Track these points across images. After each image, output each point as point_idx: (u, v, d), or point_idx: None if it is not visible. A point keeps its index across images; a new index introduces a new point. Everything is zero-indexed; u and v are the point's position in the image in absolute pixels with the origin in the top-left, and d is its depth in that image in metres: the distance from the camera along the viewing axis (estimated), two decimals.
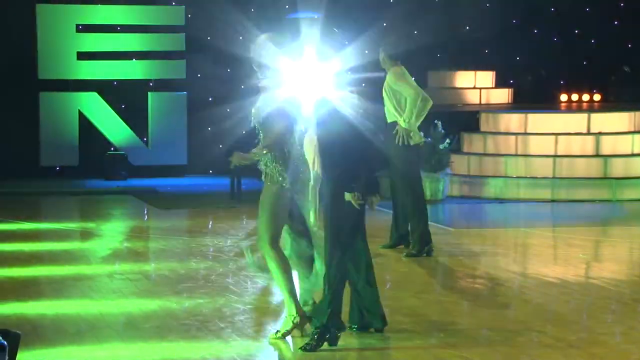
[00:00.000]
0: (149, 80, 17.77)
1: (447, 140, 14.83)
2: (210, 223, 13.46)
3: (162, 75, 17.89)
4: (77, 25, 17.35)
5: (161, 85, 17.90)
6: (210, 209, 14.27)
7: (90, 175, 17.18)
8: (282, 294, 7.26)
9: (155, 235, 12.16)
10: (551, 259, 10.85)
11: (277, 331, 7.23)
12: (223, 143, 18.22)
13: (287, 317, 7.18)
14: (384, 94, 10.41)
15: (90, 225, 12.97)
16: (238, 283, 9.22)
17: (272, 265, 7.16)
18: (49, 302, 8.43)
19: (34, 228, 12.41)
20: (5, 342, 3.10)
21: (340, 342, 6.96)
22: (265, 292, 8.85)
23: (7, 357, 3.30)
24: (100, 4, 17.54)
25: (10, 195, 15.47)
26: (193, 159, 17.93)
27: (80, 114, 17.36)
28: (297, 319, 7.12)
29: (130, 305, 8.33)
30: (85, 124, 17.38)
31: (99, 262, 10.34)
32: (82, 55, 17.25)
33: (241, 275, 9.62)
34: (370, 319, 7.31)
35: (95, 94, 17.35)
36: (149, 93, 17.70)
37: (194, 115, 17.93)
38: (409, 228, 10.52)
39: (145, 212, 14.29)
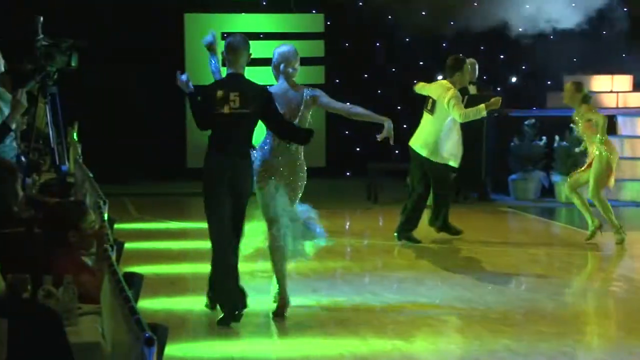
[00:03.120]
0: None
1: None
2: (348, 224, 13.52)
3: (302, 80, 17.96)
4: (223, 34, 17.65)
5: None
6: (347, 210, 14.33)
7: None
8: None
9: None
10: None
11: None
12: (361, 146, 18.29)
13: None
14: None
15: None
16: (375, 282, 9.24)
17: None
18: (195, 297, 8.59)
19: (181, 227, 12.67)
20: (154, 336, 3.19)
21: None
22: (401, 291, 8.84)
23: (155, 350, 3.40)
24: (245, 13, 17.82)
25: (159, 195, 15.83)
26: (331, 161, 18.04)
27: None
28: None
29: (270, 303, 8.43)
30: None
31: (242, 260, 10.42)
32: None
33: (378, 275, 9.64)
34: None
35: None
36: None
37: (332, 119, 18.03)
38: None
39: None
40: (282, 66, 8.31)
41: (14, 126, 7.12)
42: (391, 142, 8.51)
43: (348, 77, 18.24)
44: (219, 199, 7.58)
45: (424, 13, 17.67)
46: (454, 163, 11.05)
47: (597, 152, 11.21)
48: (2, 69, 7.36)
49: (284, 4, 17.98)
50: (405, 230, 11.28)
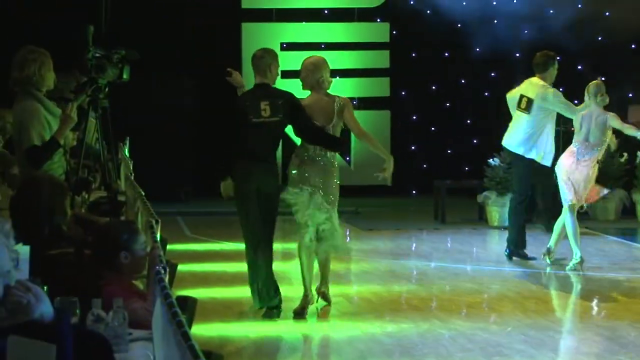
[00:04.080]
0: (352, 99, 17.94)
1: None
2: (414, 245, 13.47)
3: (366, 93, 18.06)
4: (282, 44, 17.73)
5: (365, 103, 18.06)
6: (413, 231, 14.28)
7: None
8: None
9: (357, 257, 12.25)
10: None
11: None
12: (427, 163, 18.22)
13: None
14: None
15: (292, 245, 13.15)
16: (442, 308, 9.19)
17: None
18: (251, 323, 8.61)
19: (237, 248, 12.65)
20: None
21: None
22: (471, 317, 8.77)
23: None
24: (305, 22, 17.87)
25: (214, 215, 15.88)
26: (396, 178, 17.94)
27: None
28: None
29: (332, 329, 8.42)
30: (288, 144, 17.67)
31: (301, 284, 10.47)
32: (286, 74, 17.61)
33: (446, 299, 9.58)
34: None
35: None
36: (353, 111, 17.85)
37: (397, 134, 18.00)
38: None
39: (347, 233, 14.42)
40: (320, 80, 8.87)
41: (62, 141, 7.20)
42: (387, 183, 9.35)
43: (415, 89, 18.19)
44: (249, 204, 8.56)
45: (496, 21, 17.59)
46: (547, 162, 11.30)
47: None
48: (52, 85, 7.45)
49: (348, 12, 17.99)
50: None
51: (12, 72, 7.34)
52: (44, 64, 7.26)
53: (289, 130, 9.12)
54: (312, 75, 8.88)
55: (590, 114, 10.92)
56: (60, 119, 7.21)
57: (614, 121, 10.93)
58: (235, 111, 8.66)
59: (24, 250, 5.10)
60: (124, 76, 8.11)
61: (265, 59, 8.77)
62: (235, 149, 8.62)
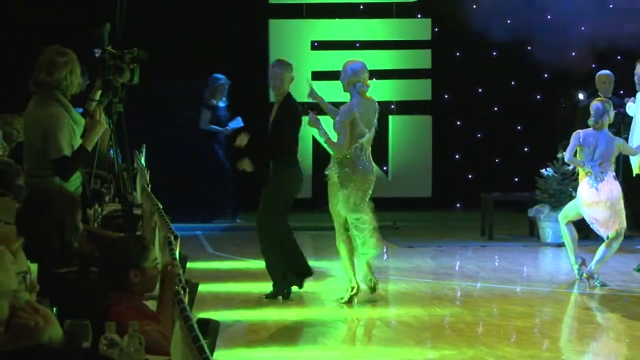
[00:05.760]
0: (390, 103, 17.95)
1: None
2: (458, 263, 13.45)
3: (404, 96, 18.04)
4: (313, 42, 17.76)
5: (404, 107, 18.05)
6: (457, 248, 14.26)
7: None
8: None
9: (395, 276, 12.25)
10: None
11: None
12: (473, 174, 18.18)
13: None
14: None
15: (324, 264, 13.16)
16: (489, 333, 9.17)
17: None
18: (279, 349, 8.63)
19: (262, 267, 12.70)
20: None
21: None
22: (520, 343, 8.75)
23: None
24: (338, 18, 17.87)
25: (237, 230, 15.92)
26: (438, 190, 17.96)
27: (314, 140, 17.73)
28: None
29: (368, 355, 8.43)
30: (319, 150, 17.72)
31: (334, 306, 10.49)
32: (318, 75, 17.64)
33: (493, 324, 9.57)
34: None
35: (328, 118, 17.60)
36: (390, 116, 17.88)
37: (439, 141, 17.97)
38: None
39: (385, 250, 14.40)
40: (358, 85, 10.13)
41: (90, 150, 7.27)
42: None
43: (459, 92, 18.16)
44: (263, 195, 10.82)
45: (549, 17, 17.53)
46: None
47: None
48: (76, 91, 7.51)
49: (385, 7, 17.98)
50: None
51: (39, 74, 7.32)
52: (74, 69, 7.33)
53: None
54: (350, 82, 10.16)
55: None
56: (87, 125, 7.26)
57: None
58: None
59: (32, 268, 5.14)
60: (135, 79, 8.13)
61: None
62: None
